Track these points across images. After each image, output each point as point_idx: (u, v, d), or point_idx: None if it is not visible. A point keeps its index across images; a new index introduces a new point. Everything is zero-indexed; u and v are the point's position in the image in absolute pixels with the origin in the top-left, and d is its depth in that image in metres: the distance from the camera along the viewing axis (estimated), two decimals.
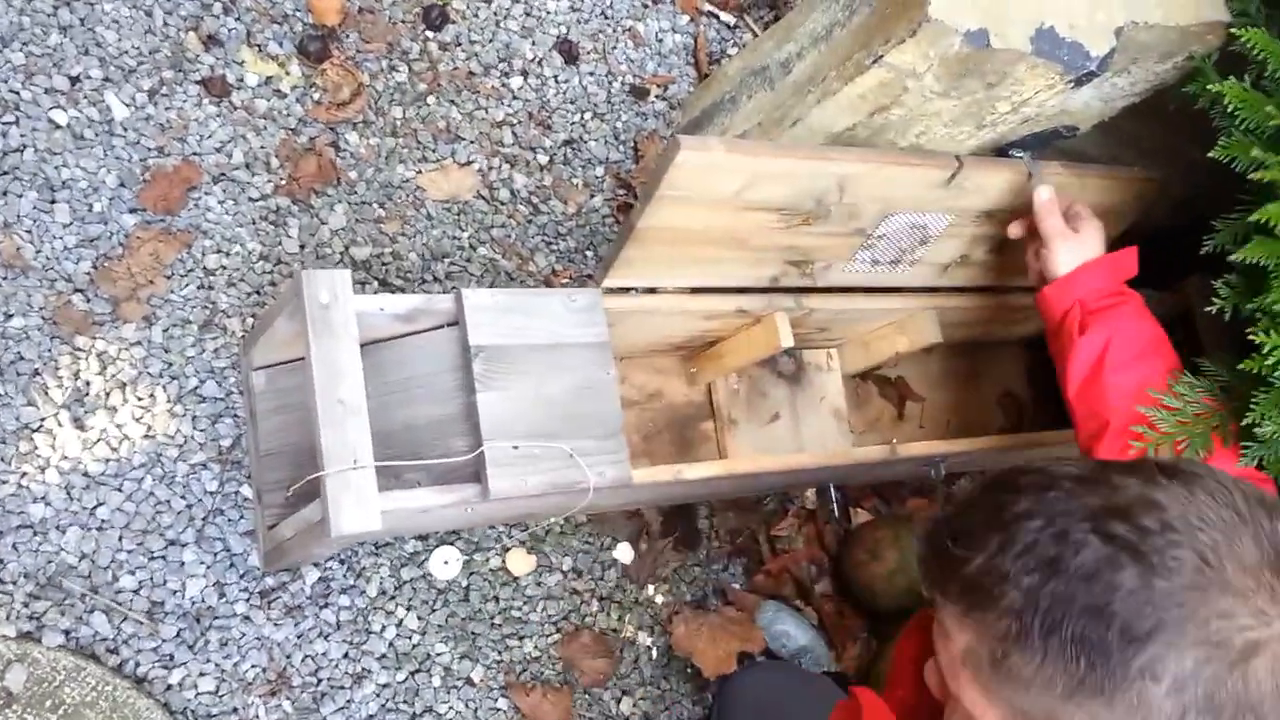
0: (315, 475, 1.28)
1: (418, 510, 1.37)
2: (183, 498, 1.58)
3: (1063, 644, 0.72)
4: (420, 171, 1.85)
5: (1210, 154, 1.42)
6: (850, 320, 1.87)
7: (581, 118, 2.02)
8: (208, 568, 1.57)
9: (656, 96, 2.13)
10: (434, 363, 1.48)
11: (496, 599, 1.76)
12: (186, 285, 1.66)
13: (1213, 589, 0.71)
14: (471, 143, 1.90)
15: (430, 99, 1.90)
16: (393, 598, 1.68)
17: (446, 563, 1.71)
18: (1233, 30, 1.45)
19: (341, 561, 1.64)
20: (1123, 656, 0.71)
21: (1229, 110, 1.41)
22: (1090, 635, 0.71)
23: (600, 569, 1.85)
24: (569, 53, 2.06)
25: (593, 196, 1.98)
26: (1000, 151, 1.68)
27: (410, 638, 1.67)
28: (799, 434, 1.96)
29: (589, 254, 1.94)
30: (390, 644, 1.66)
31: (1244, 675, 0.70)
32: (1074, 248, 1.53)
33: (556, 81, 2.03)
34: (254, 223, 1.72)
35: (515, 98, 1.98)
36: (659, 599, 1.89)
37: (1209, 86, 1.44)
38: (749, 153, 1.43)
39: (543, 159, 1.95)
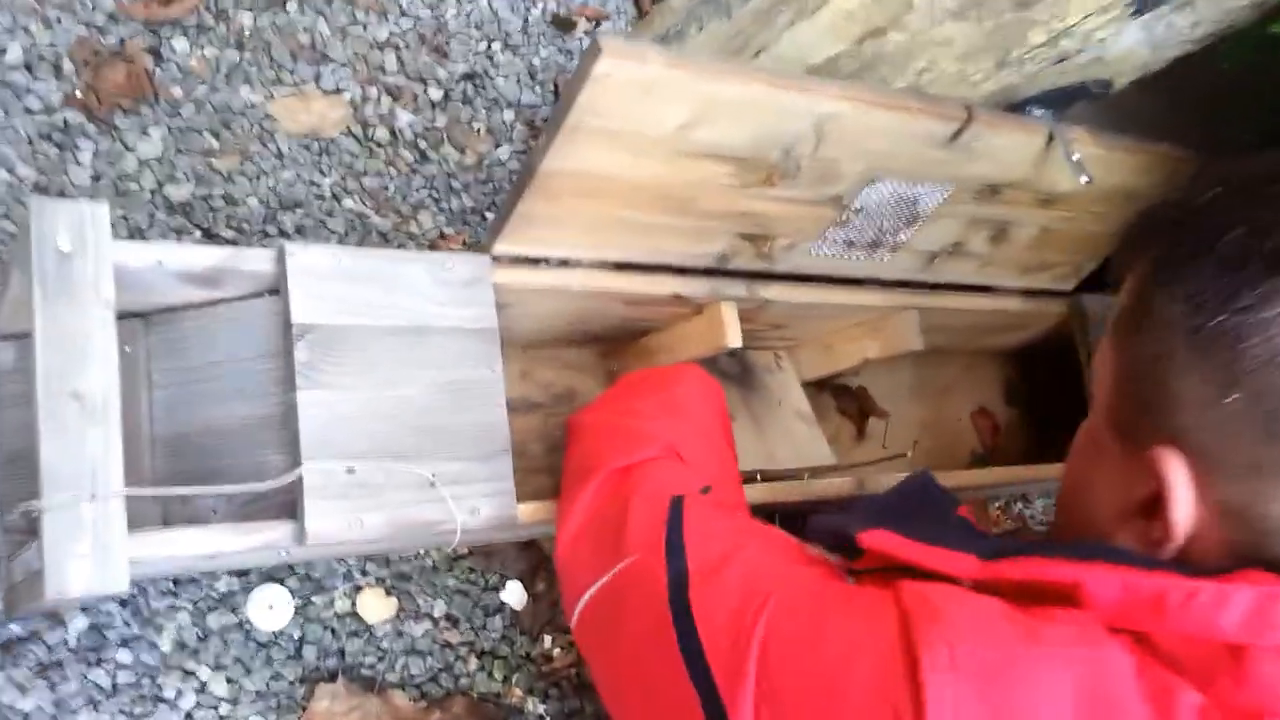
0: (29, 506, 0.85)
1: (200, 557, 0.96)
2: None
3: None
4: (271, 96, 1.43)
5: None
6: (812, 317, 1.47)
7: (488, 47, 1.61)
8: None
9: (585, 32, 1.73)
10: (248, 343, 1.06)
11: (341, 654, 1.34)
12: None
13: None
14: (342, 65, 1.48)
15: (290, 4, 1.47)
16: (195, 653, 1.26)
17: (272, 607, 1.29)
18: None
19: (122, 603, 1.22)
20: None
21: None
22: None
23: (482, 615, 1.44)
24: None
25: (498, 146, 1.56)
26: (1014, 110, 1.30)
27: (217, 708, 1.25)
28: (764, 439, 1.57)
29: (489, 216, 1.54)
30: (188, 716, 1.23)
31: None
32: None
33: None
34: (30, 141, 1.28)
35: (404, 13, 1.56)
36: (557, 653, 1.48)
37: None
38: (700, 71, 1.02)
39: (435, 94, 1.53)
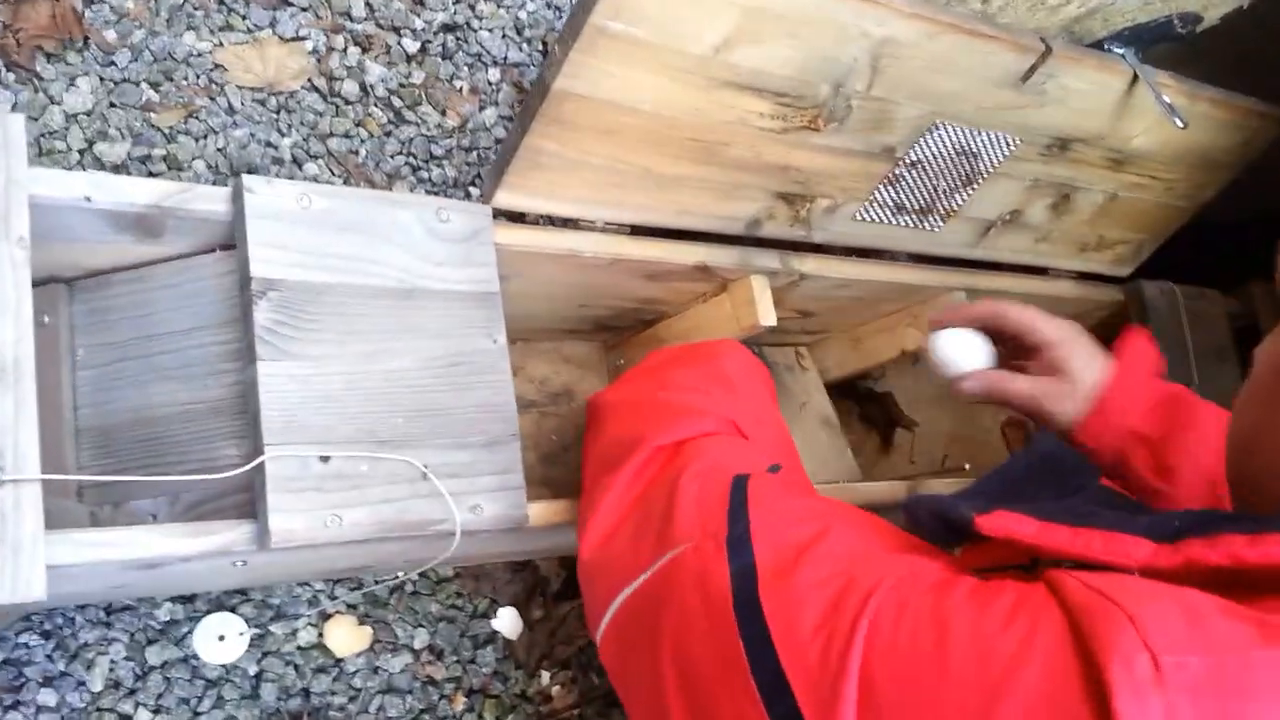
0: None
1: (139, 564, 0.75)
2: None
3: None
4: (221, 44, 1.22)
5: None
6: (844, 302, 1.29)
7: None
8: None
9: None
10: (194, 312, 0.86)
11: (306, 693, 1.13)
12: None
13: None
14: (303, 10, 1.28)
15: None
16: (131, 693, 1.04)
17: (223, 638, 1.08)
18: None
19: (45, 634, 1.01)
20: None
21: None
22: None
23: (471, 647, 1.23)
24: None
25: (483, 109, 1.37)
26: (1092, 48, 1.13)
27: None
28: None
29: (475, 190, 1.34)
30: None
31: None
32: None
33: None
34: None
35: None
36: (557, 691, 1.28)
37: None
38: None
39: (411, 46, 1.33)
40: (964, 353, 0.98)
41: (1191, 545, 0.54)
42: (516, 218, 1.01)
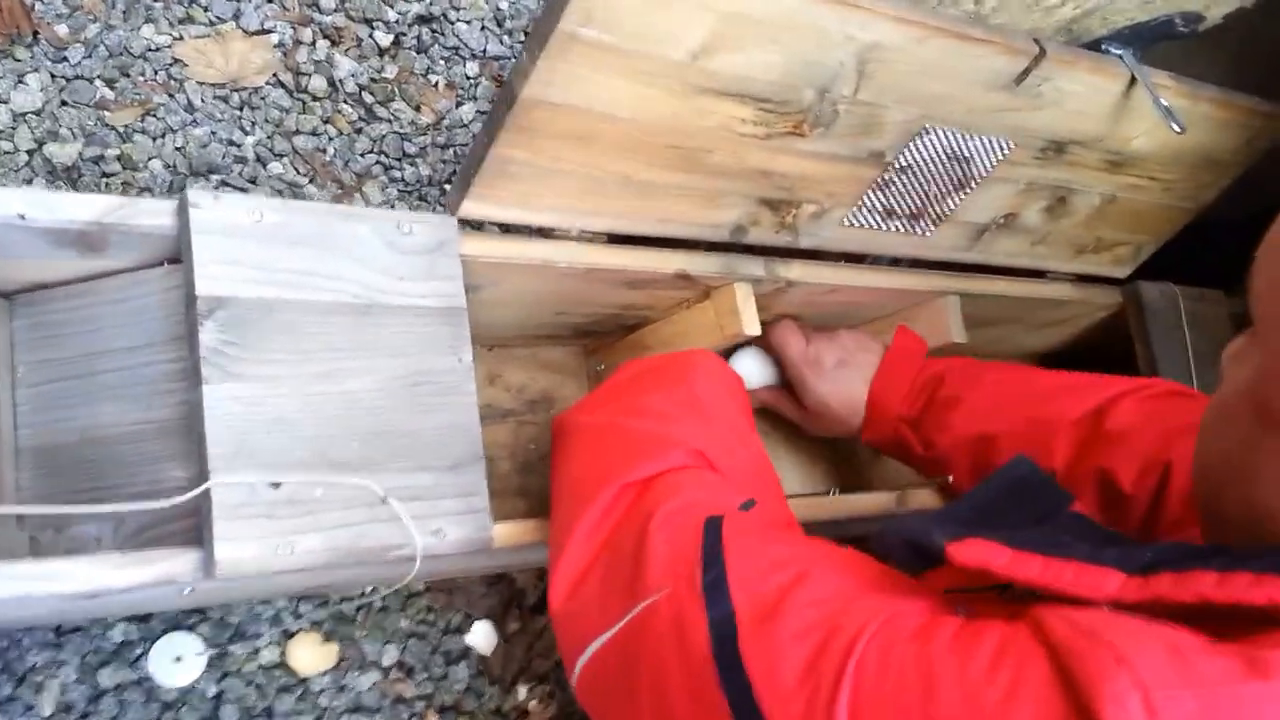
0: None
1: (76, 596, 0.71)
2: None
3: None
4: (181, 38, 1.17)
5: None
6: (834, 307, 1.25)
7: None
8: None
9: None
10: (140, 327, 0.82)
11: (269, 714, 1.09)
12: None
13: None
14: (269, 2, 1.23)
15: None
16: (84, 717, 1.00)
17: (179, 659, 1.03)
18: None
19: None
20: None
21: None
22: None
23: (443, 663, 1.19)
24: None
25: (460, 105, 1.32)
26: (1090, 47, 1.09)
27: None
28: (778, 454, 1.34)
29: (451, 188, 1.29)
30: None
31: None
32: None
33: None
34: None
35: None
36: (534, 706, 1.24)
37: None
38: None
39: (383, 38, 1.28)
40: (751, 370, 1.22)
41: (1161, 580, 0.53)
42: (484, 229, 0.96)
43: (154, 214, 0.77)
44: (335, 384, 0.80)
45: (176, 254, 0.80)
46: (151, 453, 0.80)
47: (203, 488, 0.72)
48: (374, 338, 0.82)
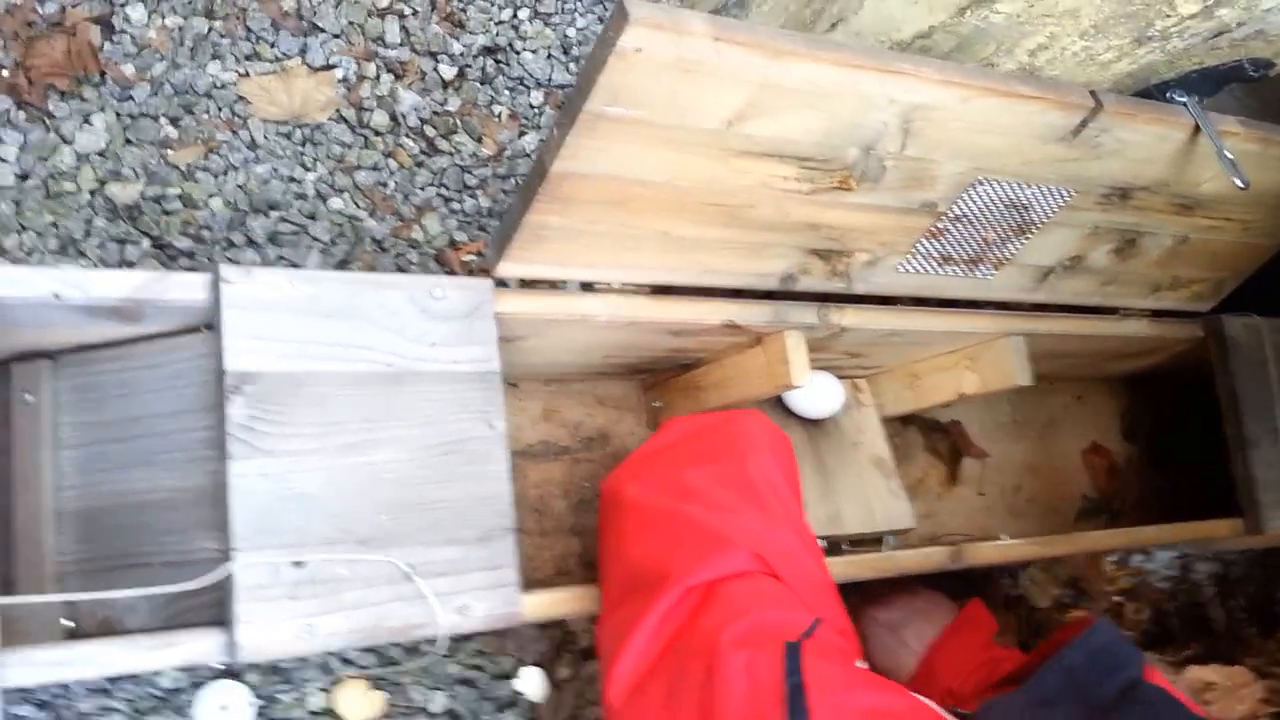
0: None
1: (100, 678, 0.73)
2: None
3: None
4: (246, 74, 1.19)
5: None
6: (897, 344, 1.22)
7: (514, 15, 1.36)
8: None
9: None
10: (176, 394, 0.83)
11: None
12: None
13: None
14: (335, 37, 1.24)
15: None
16: None
17: (225, 708, 1.06)
18: None
19: (40, 704, 1.00)
20: None
21: None
22: None
23: (493, 710, 1.20)
24: None
25: (522, 134, 1.32)
26: (1151, 95, 1.04)
27: None
28: (831, 494, 1.32)
29: None
30: None
31: None
32: None
33: None
34: None
35: None
36: None
37: None
38: (756, 48, 0.78)
39: (448, 71, 1.28)
40: (812, 404, 1.28)
41: None
42: (525, 285, 0.96)
43: (186, 288, 0.78)
44: (363, 455, 0.80)
45: (211, 320, 0.81)
46: (183, 522, 0.82)
47: (225, 570, 0.73)
48: (405, 406, 0.83)
